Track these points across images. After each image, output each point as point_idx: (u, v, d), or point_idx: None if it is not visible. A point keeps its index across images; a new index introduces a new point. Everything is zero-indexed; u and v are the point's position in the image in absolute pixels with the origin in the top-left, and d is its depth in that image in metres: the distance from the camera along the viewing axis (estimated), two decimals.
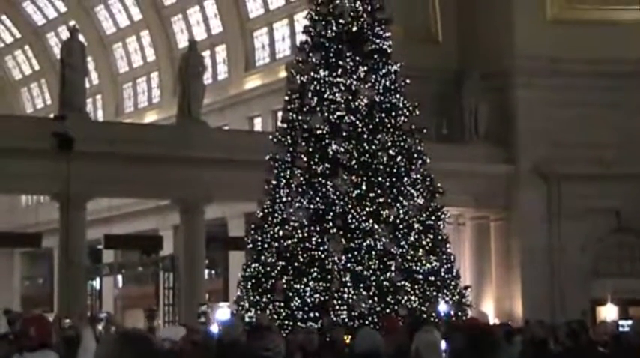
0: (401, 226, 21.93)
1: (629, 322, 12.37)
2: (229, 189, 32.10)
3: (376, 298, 21.14)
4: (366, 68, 22.84)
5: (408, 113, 23.10)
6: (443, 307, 21.45)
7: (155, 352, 4.24)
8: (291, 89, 23.52)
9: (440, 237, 22.79)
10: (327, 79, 22.62)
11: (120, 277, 48.92)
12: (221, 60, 49.89)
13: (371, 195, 21.80)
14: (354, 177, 21.82)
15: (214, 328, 17.56)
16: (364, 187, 21.81)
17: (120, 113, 56.18)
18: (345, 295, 21.00)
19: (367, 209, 21.66)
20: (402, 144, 22.67)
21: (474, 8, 39.27)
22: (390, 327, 13.62)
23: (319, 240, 21.50)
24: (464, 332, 6.26)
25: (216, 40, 49.53)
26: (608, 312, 34.66)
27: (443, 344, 8.90)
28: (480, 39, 38.92)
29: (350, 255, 21.34)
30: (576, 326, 16.89)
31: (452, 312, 21.70)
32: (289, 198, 22.11)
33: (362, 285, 21.15)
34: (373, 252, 21.44)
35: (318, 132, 22.23)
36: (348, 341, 15.64)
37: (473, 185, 36.10)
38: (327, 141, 22.12)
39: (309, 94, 22.66)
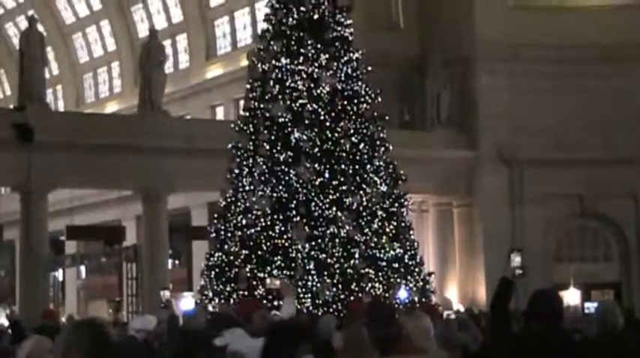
0: (364, 213, 21.95)
1: (594, 304, 12.41)
2: (192, 179, 31.93)
3: (340, 285, 21.15)
4: (327, 56, 22.82)
5: (370, 100, 23.13)
6: (403, 294, 21.45)
7: (106, 336, 4.31)
8: (253, 77, 23.49)
9: (403, 224, 22.84)
10: (288, 66, 22.59)
11: (83, 268, 48.62)
12: (182, 49, 49.62)
13: (334, 182, 21.80)
14: (316, 165, 21.80)
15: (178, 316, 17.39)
16: (327, 175, 21.80)
17: (81, 103, 55.73)
18: (309, 283, 20.99)
19: (330, 196, 21.66)
20: (365, 131, 22.69)
21: None
22: (354, 310, 13.60)
23: (282, 228, 21.47)
24: None
25: (177, 28, 49.23)
26: (571, 296, 34.81)
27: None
28: (441, 25, 38.89)
29: (313, 243, 21.33)
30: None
31: (411, 298, 21.70)
32: (252, 187, 22.07)
33: (326, 273, 21.15)
34: (337, 240, 21.45)
35: (280, 120, 22.19)
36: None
37: (435, 171, 36.10)
38: (289, 129, 22.09)
39: (271, 82, 22.62)
